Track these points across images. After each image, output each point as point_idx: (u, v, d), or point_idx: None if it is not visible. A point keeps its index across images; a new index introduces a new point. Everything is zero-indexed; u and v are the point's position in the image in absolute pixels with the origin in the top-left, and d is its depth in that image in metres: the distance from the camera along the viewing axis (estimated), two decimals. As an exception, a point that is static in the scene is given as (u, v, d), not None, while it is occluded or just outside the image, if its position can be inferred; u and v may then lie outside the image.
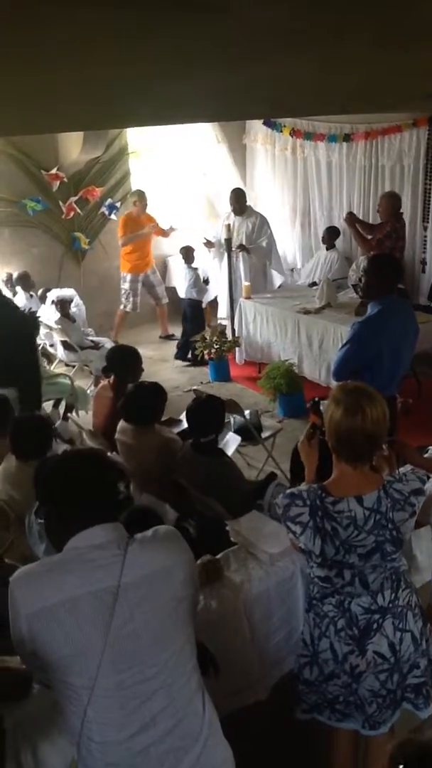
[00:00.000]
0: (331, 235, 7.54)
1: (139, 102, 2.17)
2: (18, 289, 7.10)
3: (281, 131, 8.33)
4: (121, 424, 3.93)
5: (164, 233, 7.84)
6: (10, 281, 7.19)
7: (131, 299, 7.83)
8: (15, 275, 7.19)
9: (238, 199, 7.41)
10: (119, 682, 1.68)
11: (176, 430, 4.16)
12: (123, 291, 7.82)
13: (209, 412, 3.52)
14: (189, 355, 7.50)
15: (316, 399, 2.43)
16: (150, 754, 1.71)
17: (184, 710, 1.74)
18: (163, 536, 1.87)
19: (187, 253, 7.55)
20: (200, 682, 1.83)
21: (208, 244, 7.46)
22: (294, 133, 8.15)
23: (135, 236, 7.52)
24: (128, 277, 7.78)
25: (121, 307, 7.87)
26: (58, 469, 1.86)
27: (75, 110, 2.22)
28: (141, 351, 4.82)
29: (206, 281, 7.71)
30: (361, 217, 7.14)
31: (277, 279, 7.99)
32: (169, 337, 8.22)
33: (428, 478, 2.38)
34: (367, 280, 4.01)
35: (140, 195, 7.59)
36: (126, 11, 1.24)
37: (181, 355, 7.65)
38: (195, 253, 7.63)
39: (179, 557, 1.84)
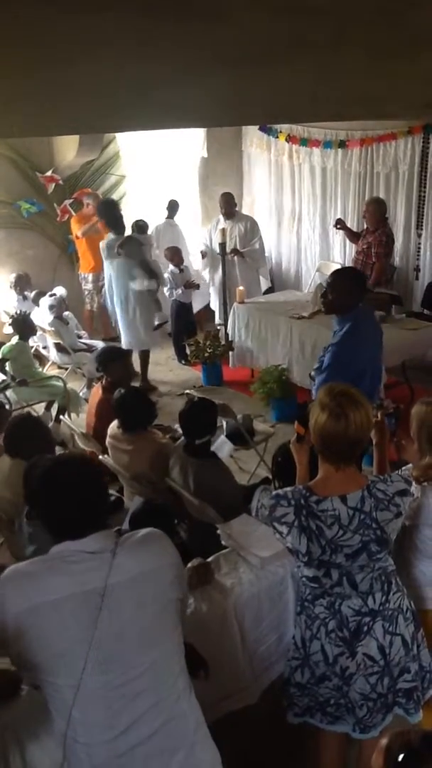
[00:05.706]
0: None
1: (139, 106, 2.18)
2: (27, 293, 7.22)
3: (277, 137, 8.36)
4: (113, 428, 3.93)
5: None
6: (19, 283, 7.24)
7: (95, 298, 7.83)
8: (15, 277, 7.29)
9: (228, 202, 7.45)
10: (105, 682, 1.68)
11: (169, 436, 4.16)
12: (86, 291, 7.79)
13: (202, 415, 3.53)
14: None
15: (306, 402, 2.43)
16: (135, 756, 1.70)
17: (171, 711, 1.74)
18: (151, 538, 1.87)
19: (173, 256, 7.40)
20: (188, 684, 1.82)
21: (203, 255, 7.53)
22: (290, 138, 8.17)
23: (90, 227, 7.46)
24: (89, 276, 7.73)
25: (87, 307, 7.85)
26: (47, 478, 1.82)
27: (74, 114, 2.23)
28: (133, 354, 4.84)
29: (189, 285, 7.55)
30: (355, 224, 7.15)
31: (264, 283, 8.04)
32: (113, 339, 8.13)
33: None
34: (336, 296, 3.79)
35: (95, 197, 7.59)
36: (127, 17, 1.26)
37: (179, 356, 7.63)
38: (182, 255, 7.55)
39: (167, 559, 1.84)
